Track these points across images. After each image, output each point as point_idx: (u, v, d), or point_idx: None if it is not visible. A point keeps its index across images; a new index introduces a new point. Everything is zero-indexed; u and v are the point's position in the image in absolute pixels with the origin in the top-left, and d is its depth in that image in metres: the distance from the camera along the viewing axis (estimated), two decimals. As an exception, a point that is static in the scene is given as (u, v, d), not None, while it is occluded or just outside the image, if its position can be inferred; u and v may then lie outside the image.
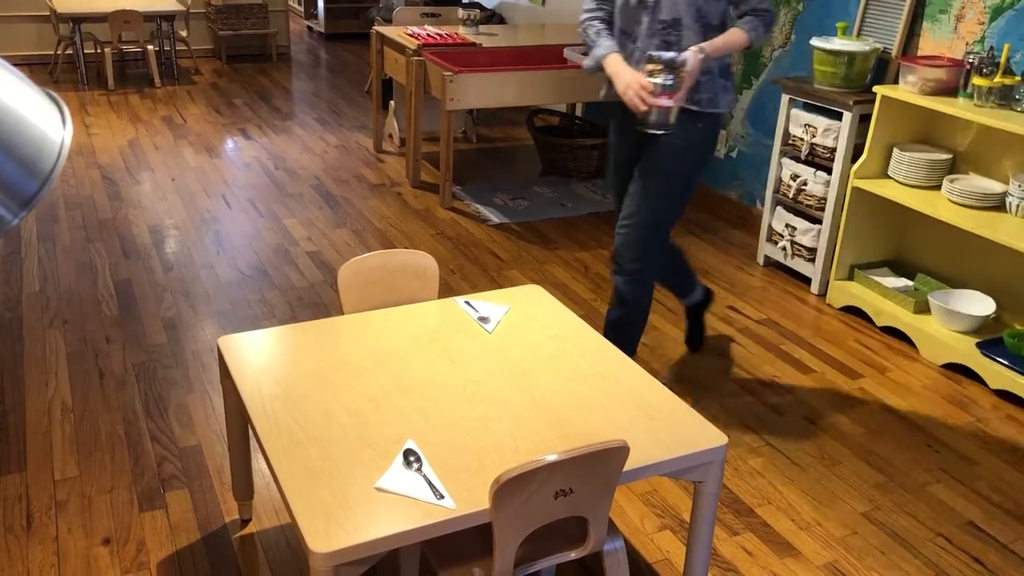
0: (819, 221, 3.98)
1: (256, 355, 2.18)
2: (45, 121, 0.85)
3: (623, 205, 2.96)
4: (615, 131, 3.02)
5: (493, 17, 6.88)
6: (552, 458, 1.64)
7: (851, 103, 3.71)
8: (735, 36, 2.76)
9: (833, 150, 3.84)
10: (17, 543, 2.39)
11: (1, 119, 0.80)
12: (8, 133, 0.80)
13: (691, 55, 2.62)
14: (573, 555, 1.86)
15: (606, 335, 2.94)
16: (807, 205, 4.01)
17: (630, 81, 2.68)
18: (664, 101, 2.60)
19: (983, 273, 3.62)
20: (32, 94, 0.86)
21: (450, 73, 4.58)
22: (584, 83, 4.90)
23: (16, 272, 3.92)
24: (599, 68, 2.83)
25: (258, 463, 2.70)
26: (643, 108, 2.65)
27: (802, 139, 3.97)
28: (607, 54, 2.80)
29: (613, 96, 2.82)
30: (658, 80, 2.58)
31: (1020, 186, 3.29)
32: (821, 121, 3.87)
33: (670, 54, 2.59)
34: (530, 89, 4.81)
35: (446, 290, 3.85)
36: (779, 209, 4.17)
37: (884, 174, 3.74)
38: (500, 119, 6.72)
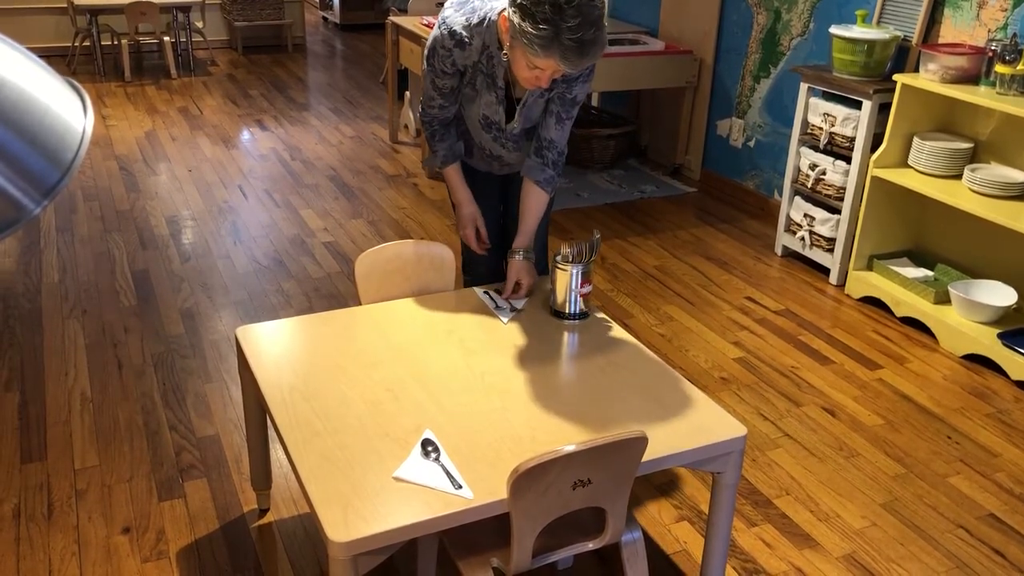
0: (838, 211, 3.95)
1: (274, 345, 2.19)
2: (67, 110, 0.85)
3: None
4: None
5: (508, 7, 6.84)
6: (570, 449, 1.63)
7: (871, 92, 3.67)
8: (536, 199, 2.47)
9: (852, 139, 3.81)
10: (39, 531, 2.41)
11: (25, 109, 0.80)
12: (32, 123, 0.80)
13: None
14: (591, 546, 1.86)
15: None
16: (826, 195, 3.98)
17: (468, 220, 2.55)
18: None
19: (1004, 263, 3.59)
20: (54, 83, 0.86)
21: (466, 63, 4.55)
22: (601, 73, 4.87)
23: (35, 263, 3.95)
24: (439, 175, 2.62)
25: (276, 453, 2.71)
26: (476, 249, 2.55)
27: (821, 128, 3.94)
28: (447, 164, 2.54)
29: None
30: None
31: (1043, 175, 3.26)
32: (840, 110, 3.84)
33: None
34: (546, 79, 4.78)
35: (462, 281, 3.84)
36: (797, 199, 4.14)
37: (904, 163, 3.71)
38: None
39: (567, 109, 2.39)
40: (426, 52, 2.37)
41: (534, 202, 2.48)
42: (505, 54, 2.22)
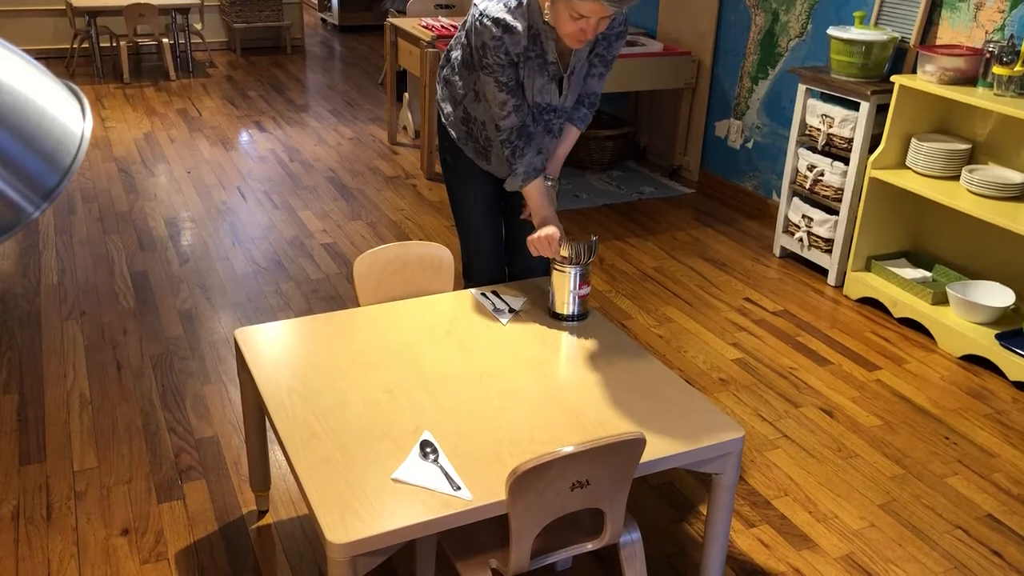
0: (836, 212, 3.95)
1: (273, 347, 2.19)
2: (65, 113, 0.85)
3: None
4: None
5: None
6: (568, 450, 1.63)
7: (868, 93, 3.68)
8: (572, 137, 2.60)
9: (850, 140, 3.81)
10: (38, 533, 2.41)
11: (23, 112, 0.80)
12: (30, 126, 0.81)
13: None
14: (590, 547, 1.86)
15: None
16: (824, 196, 3.98)
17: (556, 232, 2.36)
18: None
19: (1002, 264, 3.59)
20: (52, 86, 0.86)
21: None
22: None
23: (34, 264, 3.95)
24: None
25: (275, 454, 2.71)
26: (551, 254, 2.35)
27: (819, 129, 3.95)
28: (528, 181, 2.45)
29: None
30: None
31: (1040, 176, 3.26)
32: (838, 111, 3.84)
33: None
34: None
35: (461, 282, 3.85)
36: (795, 200, 4.14)
37: (902, 164, 3.71)
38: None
39: (607, 64, 2.53)
40: (476, 58, 2.33)
41: (570, 136, 2.61)
42: (547, 18, 2.25)
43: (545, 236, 2.34)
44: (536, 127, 2.48)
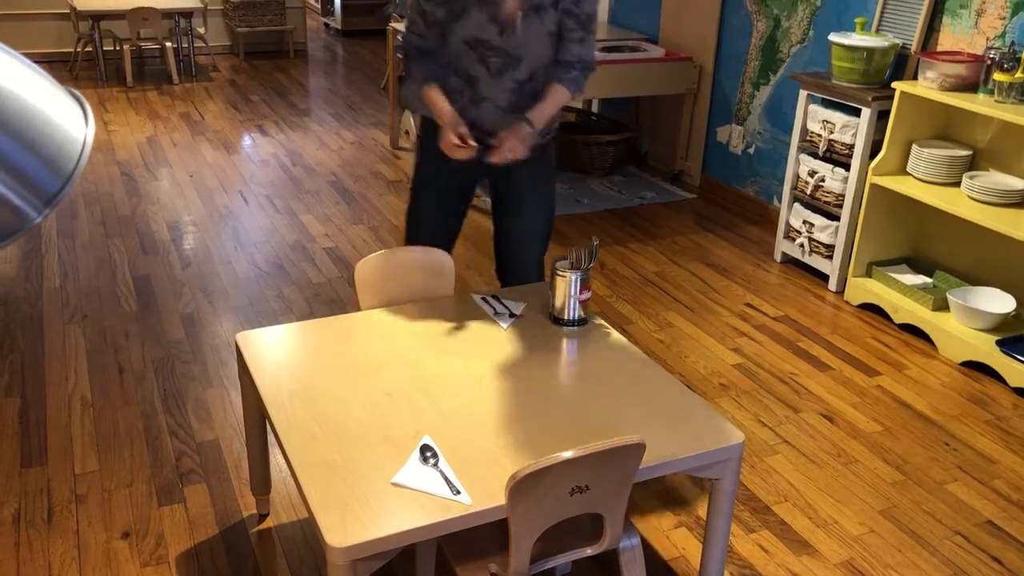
0: (837, 218, 3.96)
1: (274, 351, 2.20)
2: (68, 120, 0.86)
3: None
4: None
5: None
6: (568, 455, 1.64)
7: (870, 99, 3.68)
8: (557, 94, 2.55)
9: (851, 146, 3.82)
10: (39, 536, 2.42)
11: (26, 118, 0.81)
12: (33, 132, 0.81)
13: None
14: (589, 551, 1.87)
15: None
16: (825, 202, 3.99)
17: (451, 123, 2.50)
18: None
19: (1003, 270, 3.59)
20: (56, 92, 0.87)
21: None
22: (601, 80, 4.89)
23: (36, 268, 3.96)
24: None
25: (275, 458, 2.72)
26: (460, 155, 2.48)
27: (820, 135, 3.95)
28: (427, 85, 2.58)
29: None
30: None
31: (1041, 183, 3.26)
32: (839, 117, 3.85)
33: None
34: (546, 85, 4.80)
35: (462, 286, 3.86)
36: (797, 206, 4.15)
37: (903, 171, 3.72)
38: (516, 115, 6.71)
39: (583, 26, 2.49)
40: None
41: (555, 93, 2.54)
42: None
43: (509, 141, 2.41)
44: (469, 53, 2.52)
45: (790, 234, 4.21)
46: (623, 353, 2.25)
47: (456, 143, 2.48)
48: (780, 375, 3.32)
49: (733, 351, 3.48)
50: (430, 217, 2.80)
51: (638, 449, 1.72)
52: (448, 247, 2.75)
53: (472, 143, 2.48)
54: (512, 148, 2.45)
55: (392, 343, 2.24)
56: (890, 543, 2.51)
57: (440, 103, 2.56)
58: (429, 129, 2.68)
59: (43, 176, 0.82)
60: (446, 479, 1.75)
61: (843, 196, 3.89)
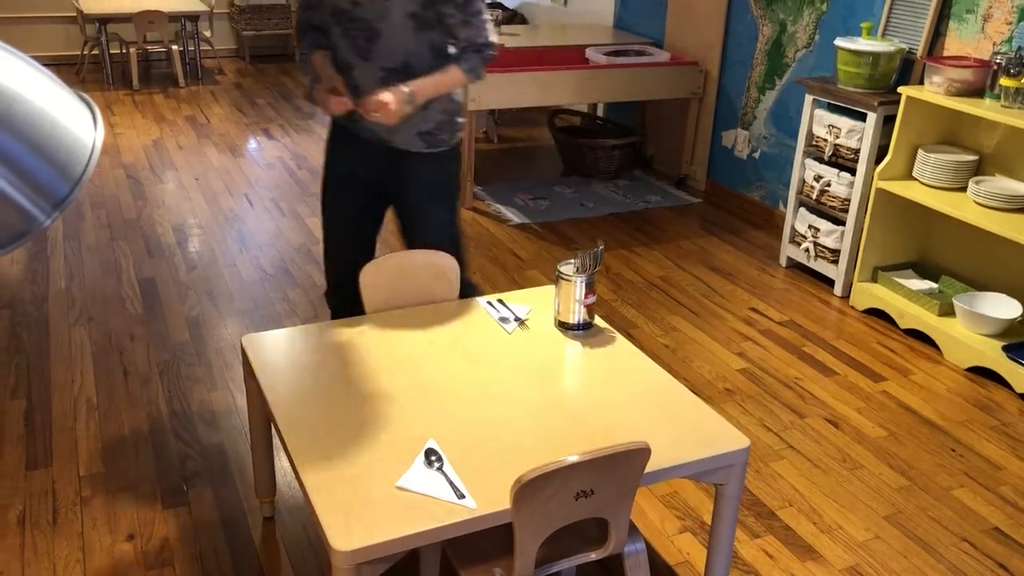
0: (842, 223, 3.95)
1: (279, 354, 2.20)
2: (77, 124, 0.86)
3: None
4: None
5: (515, 17, 6.88)
6: (573, 459, 1.64)
7: (876, 104, 3.68)
8: (450, 74, 2.47)
9: (857, 151, 3.81)
10: (43, 538, 2.42)
11: (36, 123, 0.81)
12: (42, 136, 0.81)
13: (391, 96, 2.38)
14: (594, 556, 1.86)
15: None
16: (830, 206, 3.98)
17: (327, 82, 2.54)
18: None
19: (1009, 275, 3.58)
20: (65, 97, 0.87)
21: (472, 73, 4.57)
22: (606, 83, 4.89)
23: (43, 270, 3.97)
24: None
25: (280, 461, 2.72)
26: (333, 110, 2.49)
27: (826, 140, 3.95)
28: (314, 50, 2.63)
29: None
30: None
31: (1047, 188, 3.26)
32: (845, 122, 3.85)
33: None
34: (551, 89, 4.81)
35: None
36: (802, 210, 4.14)
37: (908, 175, 3.71)
38: (521, 119, 6.72)
39: (461, 8, 2.42)
40: None
41: (445, 71, 2.47)
42: None
43: (382, 94, 2.36)
44: (335, 28, 2.51)
45: (795, 239, 4.21)
46: (627, 358, 2.25)
47: (332, 97, 2.46)
48: (785, 380, 3.32)
49: (738, 356, 3.47)
50: (340, 227, 2.88)
51: (643, 454, 1.72)
52: (362, 248, 2.87)
53: (348, 98, 2.45)
54: (380, 103, 2.35)
55: (397, 347, 2.25)
56: (895, 549, 2.50)
57: (321, 65, 2.59)
58: (334, 127, 2.75)
59: (52, 179, 0.83)
60: (451, 483, 1.75)
61: (848, 201, 3.89)
